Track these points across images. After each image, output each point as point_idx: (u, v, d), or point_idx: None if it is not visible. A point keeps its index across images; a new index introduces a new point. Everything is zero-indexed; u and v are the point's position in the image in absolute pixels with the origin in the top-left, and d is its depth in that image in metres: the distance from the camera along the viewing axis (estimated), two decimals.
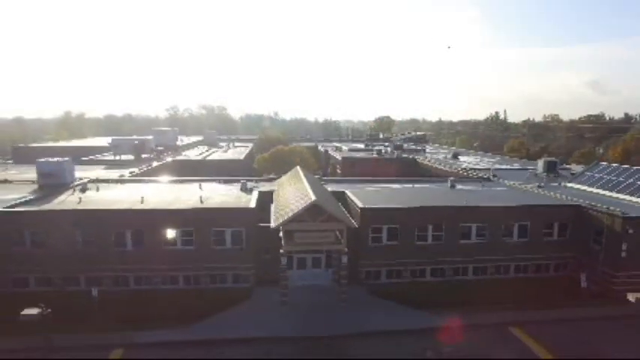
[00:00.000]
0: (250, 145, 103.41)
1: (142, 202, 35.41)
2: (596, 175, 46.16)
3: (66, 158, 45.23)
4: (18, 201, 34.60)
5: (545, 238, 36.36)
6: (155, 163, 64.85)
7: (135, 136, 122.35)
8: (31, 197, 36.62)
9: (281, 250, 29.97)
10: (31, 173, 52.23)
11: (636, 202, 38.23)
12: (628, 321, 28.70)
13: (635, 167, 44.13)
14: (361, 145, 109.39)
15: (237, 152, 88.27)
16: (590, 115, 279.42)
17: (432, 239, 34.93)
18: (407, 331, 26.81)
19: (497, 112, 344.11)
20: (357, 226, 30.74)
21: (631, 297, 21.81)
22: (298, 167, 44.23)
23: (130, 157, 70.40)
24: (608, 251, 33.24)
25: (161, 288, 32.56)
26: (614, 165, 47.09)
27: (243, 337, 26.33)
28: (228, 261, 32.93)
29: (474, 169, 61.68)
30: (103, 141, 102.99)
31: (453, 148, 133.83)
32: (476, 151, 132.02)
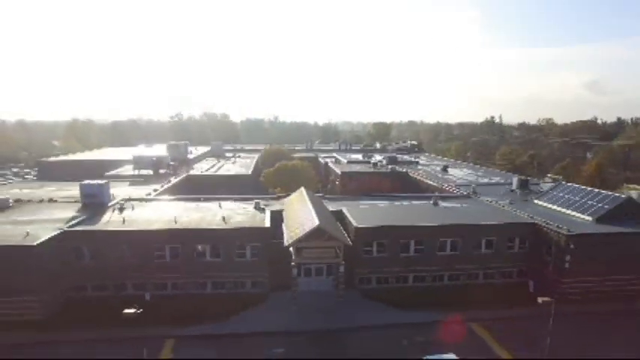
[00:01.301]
0: (255, 156, 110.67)
1: (175, 221, 42.98)
2: (558, 194, 53.82)
3: (104, 181, 52.81)
4: (75, 221, 42.12)
5: (508, 251, 44.03)
6: (173, 179, 72.37)
7: (143, 145, 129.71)
8: (84, 217, 44.06)
9: (292, 263, 37.63)
10: (67, 191, 60.03)
11: (585, 218, 45.89)
12: (560, 317, 36.30)
13: (589, 188, 51.82)
14: (359, 156, 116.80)
15: (244, 165, 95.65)
16: (583, 121, 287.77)
17: (414, 252, 42.56)
18: (389, 325, 34.47)
19: (492, 117, 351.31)
20: (351, 244, 38.40)
21: (540, 300, 29.02)
22: (303, 189, 51.80)
23: (149, 171, 78.08)
24: (556, 262, 40.92)
25: (193, 292, 40.12)
26: (572, 185, 54.69)
27: (263, 331, 33.95)
28: (247, 270, 40.54)
29: (459, 185, 69.13)
30: (119, 152, 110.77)
31: (446, 159, 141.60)
32: (468, 162, 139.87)
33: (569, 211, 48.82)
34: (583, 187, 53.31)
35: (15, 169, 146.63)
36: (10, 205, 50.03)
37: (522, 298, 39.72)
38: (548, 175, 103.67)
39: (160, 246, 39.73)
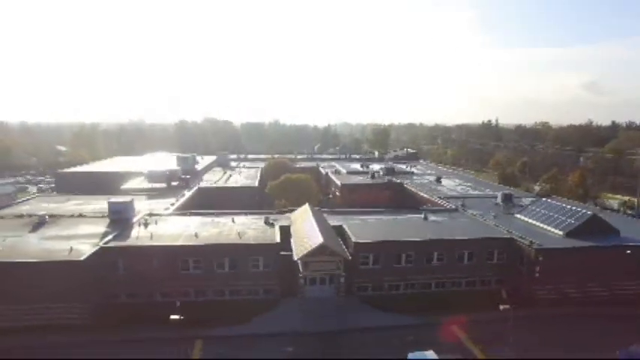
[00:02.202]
0: (259, 166, 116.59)
1: (196, 236, 49.13)
2: (536, 209, 60.04)
3: (129, 199, 58.98)
4: (109, 237, 48.19)
5: (487, 262, 50.21)
6: (186, 192, 78.50)
7: (149, 154, 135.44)
8: (115, 232, 50.11)
9: (300, 275, 43.82)
10: (92, 205, 66.24)
11: (557, 232, 52.09)
12: (535, 322, 42.50)
13: (561, 204, 58.02)
14: (357, 165, 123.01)
15: (250, 176, 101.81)
16: (577, 126, 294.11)
17: (405, 262, 48.73)
18: (383, 327, 40.61)
19: (489, 121, 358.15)
20: (350, 258, 44.61)
21: (501, 307, 34.95)
22: (308, 205, 57.92)
23: (163, 184, 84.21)
24: (528, 272, 47.13)
25: (213, 299, 46.17)
26: (548, 201, 60.87)
27: (276, 332, 40.08)
28: (260, 279, 46.65)
29: (449, 197, 75.25)
30: (129, 163, 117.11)
31: (441, 166, 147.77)
32: (464, 168, 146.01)
33: (544, 226, 55.00)
34: (557, 203, 59.50)
35: (28, 176, 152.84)
36: (47, 220, 56.12)
37: (496, 304, 45.77)
38: (537, 184, 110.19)
39: (184, 259, 45.87)
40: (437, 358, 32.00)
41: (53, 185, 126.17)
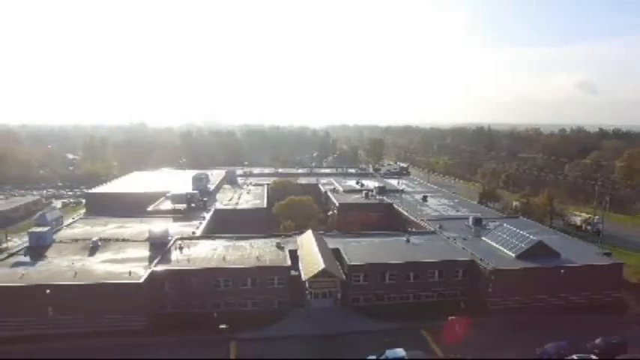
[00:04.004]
0: (264, 184, 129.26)
1: (224, 259, 62.25)
2: (497, 233, 73.32)
3: (165, 228, 72.18)
4: (155, 260, 61.16)
5: (454, 279, 63.46)
6: (205, 214, 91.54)
7: (163, 170, 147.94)
8: (158, 256, 63.01)
9: (306, 292, 57.06)
10: (128, 228, 79.12)
11: (510, 254, 65.29)
12: (484, 327, 55.65)
13: (517, 230, 70.96)
14: (353, 182, 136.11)
15: (258, 196, 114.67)
16: (564, 136, 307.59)
17: (389, 279, 61.93)
18: (371, 331, 53.82)
19: (482, 127, 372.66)
20: (345, 278, 57.88)
21: (449, 318, 48.01)
22: (310, 232, 71.00)
23: (183, 205, 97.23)
24: (484, 287, 60.40)
25: (238, 309, 59.18)
26: (506, 227, 73.87)
27: (288, 335, 53.18)
28: (275, 294, 59.76)
29: (431, 219, 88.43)
30: (149, 179, 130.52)
31: (434, 175, 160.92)
32: (455, 177, 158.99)
33: (501, 248, 68.29)
34: (513, 228, 72.51)
35: (50, 191, 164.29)
36: (99, 244, 69.01)
37: (456, 313, 59.12)
38: (514, 200, 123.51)
39: (216, 279, 58.98)
40: (405, 354, 45.21)
41: (77, 200, 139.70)
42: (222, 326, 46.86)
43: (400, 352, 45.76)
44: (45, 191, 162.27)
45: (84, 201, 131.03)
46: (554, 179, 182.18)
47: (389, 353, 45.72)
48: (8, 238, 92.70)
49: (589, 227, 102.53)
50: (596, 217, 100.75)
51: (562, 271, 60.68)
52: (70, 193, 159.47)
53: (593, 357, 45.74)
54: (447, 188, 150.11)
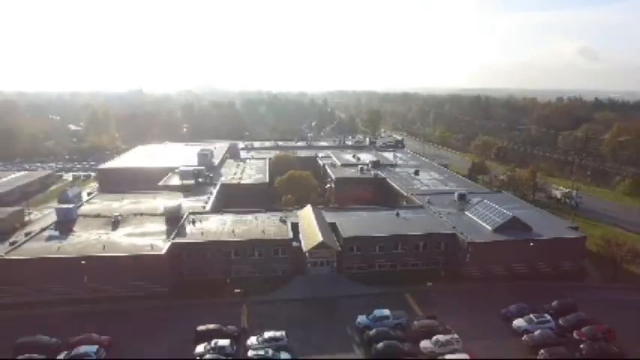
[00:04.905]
0: (265, 157, 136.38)
1: (233, 233, 70.22)
2: (478, 208, 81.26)
3: (178, 202, 79.80)
4: (173, 234, 69.06)
5: (436, 249, 71.83)
6: (212, 189, 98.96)
7: (167, 144, 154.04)
8: (174, 230, 70.83)
9: (307, 261, 65.42)
10: (144, 203, 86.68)
11: (488, 228, 73.42)
12: (461, 292, 64.35)
13: (495, 205, 78.76)
14: (350, 157, 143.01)
15: (260, 170, 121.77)
16: (559, 106, 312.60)
17: (379, 250, 70.25)
18: (362, 295, 62.46)
19: (478, 96, 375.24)
20: (340, 249, 66.09)
21: (428, 284, 56.33)
22: (310, 206, 78.71)
23: (191, 181, 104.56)
24: (461, 257, 68.84)
25: (246, 276, 67.62)
26: (486, 202, 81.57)
27: (291, 298, 61.80)
28: (278, 263, 68.12)
29: (420, 194, 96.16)
30: (155, 153, 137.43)
31: (427, 147, 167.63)
32: (450, 148, 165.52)
33: (481, 222, 76.35)
34: (493, 204, 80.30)
35: (60, 164, 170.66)
36: (120, 219, 76.75)
37: (437, 280, 67.82)
38: (502, 174, 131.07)
39: (227, 251, 67.14)
40: (389, 314, 53.95)
41: (87, 174, 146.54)
42: (237, 290, 55.16)
43: (386, 311, 54.42)
44: (54, 164, 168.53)
45: (92, 174, 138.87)
46: (544, 152, 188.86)
47: (377, 312, 54.37)
48: (29, 211, 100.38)
49: (567, 200, 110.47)
50: (574, 191, 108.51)
51: (531, 243, 68.86)
52: (79, 166, 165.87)
53: (547, 315, 54.53)
54: (440, 160, 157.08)
